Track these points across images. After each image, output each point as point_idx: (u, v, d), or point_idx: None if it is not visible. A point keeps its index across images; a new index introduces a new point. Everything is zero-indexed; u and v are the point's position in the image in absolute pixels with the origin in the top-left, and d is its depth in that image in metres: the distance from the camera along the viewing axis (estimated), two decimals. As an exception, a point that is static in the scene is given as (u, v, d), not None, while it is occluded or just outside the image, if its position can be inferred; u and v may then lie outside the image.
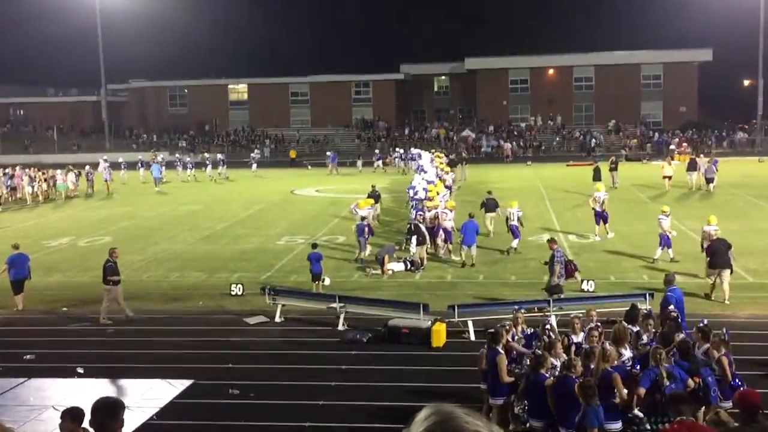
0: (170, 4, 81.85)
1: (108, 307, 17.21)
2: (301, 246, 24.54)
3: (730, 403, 9.88)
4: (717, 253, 17.11)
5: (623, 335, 10.74)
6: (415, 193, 26.96)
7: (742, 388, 9.68)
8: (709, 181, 34.71)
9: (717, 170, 35.08)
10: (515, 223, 22.89)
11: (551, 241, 17.57)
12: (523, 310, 13.13)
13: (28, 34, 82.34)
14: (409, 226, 22.62)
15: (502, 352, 10.43)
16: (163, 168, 47.17)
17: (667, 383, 9.06)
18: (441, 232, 22.65)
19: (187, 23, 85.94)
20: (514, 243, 22.85)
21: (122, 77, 78.84)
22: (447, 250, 22.54)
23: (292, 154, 60.45)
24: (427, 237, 21.85)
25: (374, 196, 27.34)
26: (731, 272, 17.09)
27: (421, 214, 22.82)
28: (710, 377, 9.81)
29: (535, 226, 26.39)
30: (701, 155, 40.37)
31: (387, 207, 31.97)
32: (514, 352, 11.15)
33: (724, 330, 10.59)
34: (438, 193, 25.53)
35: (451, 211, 23.29)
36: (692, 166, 35.98)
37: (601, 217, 24.22)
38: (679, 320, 12.03)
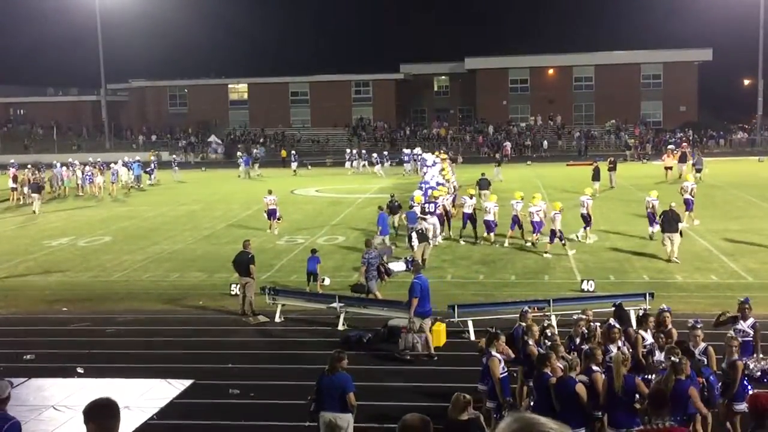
0: (170, 4, 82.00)
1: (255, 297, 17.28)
2: (301, 246, 24.55)
3: (744, 405, 9.78)
4: (667, 221, 20.91)
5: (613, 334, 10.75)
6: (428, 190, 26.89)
7: (750, 390, 9.61)
8: (698, 171, 38.78)
9: (691, 161, 40.44)
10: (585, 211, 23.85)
11: (367, 243, 18.43)
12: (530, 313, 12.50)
13: (28, 34, 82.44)
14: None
15: (495, 354, 10.33)
16: (136, 166, 46.00)
17: None
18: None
19: (186, 23, 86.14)
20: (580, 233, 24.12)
21: (122, 77, 78.87)
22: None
23: (284, 153, 60.65)
24: (437, 228, 22.80)
25: (393, 206, 26.39)
26: (680, 235, 21.02)
27: (439, 205, 23.49)
28: (712, 376, 9.75)
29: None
30: (688, 149, 45.24)
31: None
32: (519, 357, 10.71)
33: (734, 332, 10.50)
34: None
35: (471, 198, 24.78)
36: (683, 159, 41.05)
37: (688, 204, 26.04)
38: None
